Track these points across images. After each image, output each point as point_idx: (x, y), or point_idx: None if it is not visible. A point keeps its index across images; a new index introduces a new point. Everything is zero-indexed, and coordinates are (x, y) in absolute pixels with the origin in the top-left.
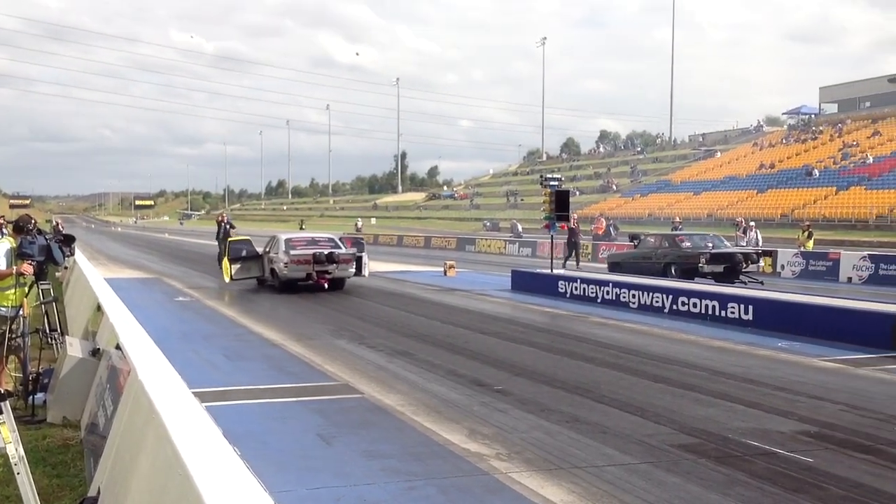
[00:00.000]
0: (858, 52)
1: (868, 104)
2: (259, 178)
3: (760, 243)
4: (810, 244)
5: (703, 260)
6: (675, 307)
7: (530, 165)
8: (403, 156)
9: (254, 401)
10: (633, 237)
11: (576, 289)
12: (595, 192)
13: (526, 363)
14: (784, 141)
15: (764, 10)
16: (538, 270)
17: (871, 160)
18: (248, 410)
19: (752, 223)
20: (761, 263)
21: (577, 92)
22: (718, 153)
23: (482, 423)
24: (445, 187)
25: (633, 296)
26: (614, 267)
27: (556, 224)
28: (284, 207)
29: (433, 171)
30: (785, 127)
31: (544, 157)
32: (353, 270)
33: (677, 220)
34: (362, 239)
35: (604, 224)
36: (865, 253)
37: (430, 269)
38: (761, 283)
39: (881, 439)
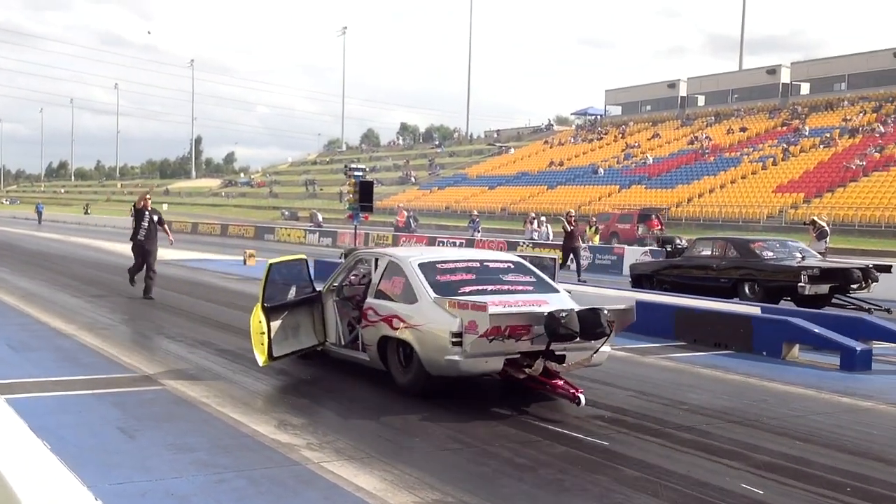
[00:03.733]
0: (641, 58)
1: (649, 108)
2: (39, 158)
3: (550, 238)
4: (596, 239)
5: (804, 278)
6: None
7: (330, 155)
8: (198, 140)
9: (46, 394)
10: (663, 241)
11: None
12: (394, 184)
13: None
14: (572, 140)
15: (556, 12)
16: (343, 261)
17: (650, 161)
18: (40, 404)
19: (543, 218)
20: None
21: (377, 83)
22: (512, 150)
23: (291, 414)
24: (242, 174)
25: None
26: (641, 281)
27: (360, 214)
28: (63, 190)
29: (230, 158)
30: (573, 126)
31: (344, 147)
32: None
33: (475, 213)
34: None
35: (405, 216)
36: (647, 248)
37: (228, 257)
38: (888, 310)
39: (669, 423)
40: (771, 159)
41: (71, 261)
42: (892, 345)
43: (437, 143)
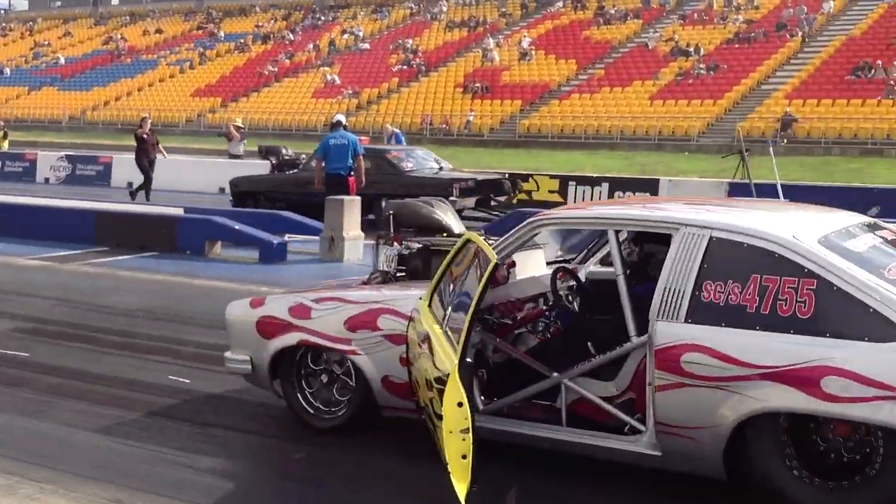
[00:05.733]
0: None
1: (59, 4)
2: None
3: None
4: (6, 145)
5: (456, 191)
6: None
7: None
8: None
9: None
10: (267, 152)
11: None
12: None
13: None
14: None
15: None
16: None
17: (63, 61)
18: None
19: None
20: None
21: None
22: None
23: None
24: None
25: None
26: (246, 200)
27: None
28: None
29: None
30: None
31: None
32: None
33: None
34: None
35: None
36: (62, 154)
37: None
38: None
39: (91, 327)
40: (188, 63)
41: None
42: (305, 236)
43: None
